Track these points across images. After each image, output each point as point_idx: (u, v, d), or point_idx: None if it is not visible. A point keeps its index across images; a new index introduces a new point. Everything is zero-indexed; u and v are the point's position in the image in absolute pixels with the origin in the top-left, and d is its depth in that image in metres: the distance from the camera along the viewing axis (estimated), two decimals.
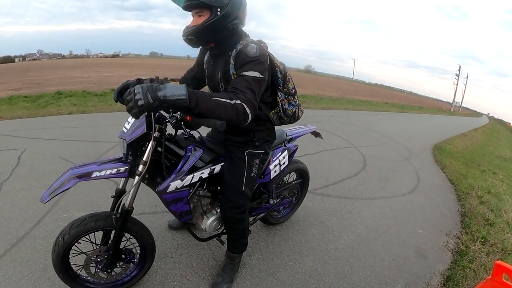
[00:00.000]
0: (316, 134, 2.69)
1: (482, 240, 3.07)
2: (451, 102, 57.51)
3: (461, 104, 59.28)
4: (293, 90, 1.82)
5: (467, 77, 58.69)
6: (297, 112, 1.92)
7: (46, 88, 10.89)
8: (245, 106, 1.30)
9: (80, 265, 1.68)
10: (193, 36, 1.49)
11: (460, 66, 54.86)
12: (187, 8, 1.49)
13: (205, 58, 1.79)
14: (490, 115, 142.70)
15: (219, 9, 1.42)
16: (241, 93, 1.32)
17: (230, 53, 1.54)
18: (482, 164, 7.54)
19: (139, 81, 1.53)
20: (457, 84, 54.70)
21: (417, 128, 12.64)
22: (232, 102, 1.27)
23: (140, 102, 1.11)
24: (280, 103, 1.81)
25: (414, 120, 16.54)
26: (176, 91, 1.15)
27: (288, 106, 1.85)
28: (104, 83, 12.59)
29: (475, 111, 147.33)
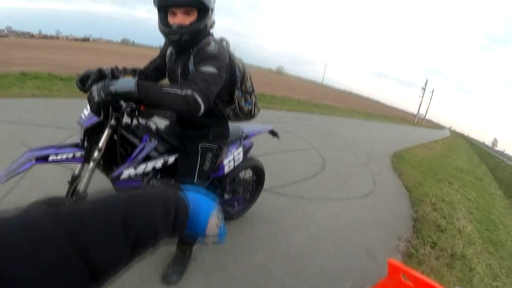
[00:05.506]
0: (273, 133, 2.78)
1: (432, 244, 3.29)
2: (416, 113, 60.84)
3: (425, 116, 63.11)
4: (251, 89, 1.94)
5: (432, 91, 63.31)
6: (253, 110, 2.04)
7: (11, 68, 10.20)
8: (196, 96, 1.38)
9: None
10: (189, 35, 1.55)
11: (427, 80, 58.81)
12: (173, 5, 1.49)
13: (168, 51, 1.84)
14: (452, 128, 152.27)
15: (211, 11, 1.55)
16: (193, 84, 1.40)
17: (191, 50, 1.63)
18: (439, 173, 8.07)
19: (99, 71, 1.68)
20: (422, 97, 58.31)
21: (379, 135, 13.27)
22: (183, 93, 1.36)
23: (95, 99, 1.30)
24: (236, 100, 1.91)
25: (378, 128, 17.37)
26: (126, 84, 1.31)
27: (244, 104, 1.95)
28: (71, 67, 12.04)
29: (438, 124, 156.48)
